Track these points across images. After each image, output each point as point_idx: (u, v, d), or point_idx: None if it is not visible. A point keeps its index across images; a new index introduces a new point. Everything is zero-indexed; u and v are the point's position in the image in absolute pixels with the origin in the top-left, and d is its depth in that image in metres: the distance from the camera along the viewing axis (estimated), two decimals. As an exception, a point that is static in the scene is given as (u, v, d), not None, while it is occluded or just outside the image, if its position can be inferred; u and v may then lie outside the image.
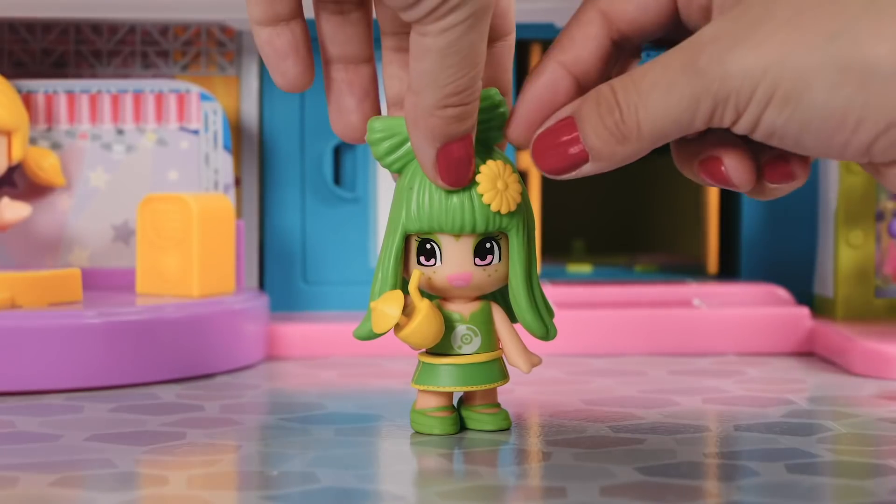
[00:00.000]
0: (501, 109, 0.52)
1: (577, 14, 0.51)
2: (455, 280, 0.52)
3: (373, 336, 0.53)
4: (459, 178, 0.51)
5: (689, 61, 0.46)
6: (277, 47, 0.51)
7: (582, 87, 0.50)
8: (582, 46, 0.50)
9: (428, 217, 0.51)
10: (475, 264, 0.52)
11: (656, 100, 0.46)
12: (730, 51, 0.45)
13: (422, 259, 0.52)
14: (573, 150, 0.48)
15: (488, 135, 0.52)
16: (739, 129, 0.46)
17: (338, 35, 0.52)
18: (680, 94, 0.46)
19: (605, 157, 0.48)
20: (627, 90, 0.47)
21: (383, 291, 0.52)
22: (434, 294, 0.54)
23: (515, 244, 0.52)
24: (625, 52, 0.51)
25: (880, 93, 0.44)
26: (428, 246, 0.52)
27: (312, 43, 0.52)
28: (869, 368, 0.68)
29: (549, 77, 0.50)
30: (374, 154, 0.52)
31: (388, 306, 0.52)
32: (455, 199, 0.51)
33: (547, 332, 0.53)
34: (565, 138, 0.48)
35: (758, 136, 0.46)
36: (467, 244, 0.52)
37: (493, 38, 0.53)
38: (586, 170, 0.49)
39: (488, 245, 0.52)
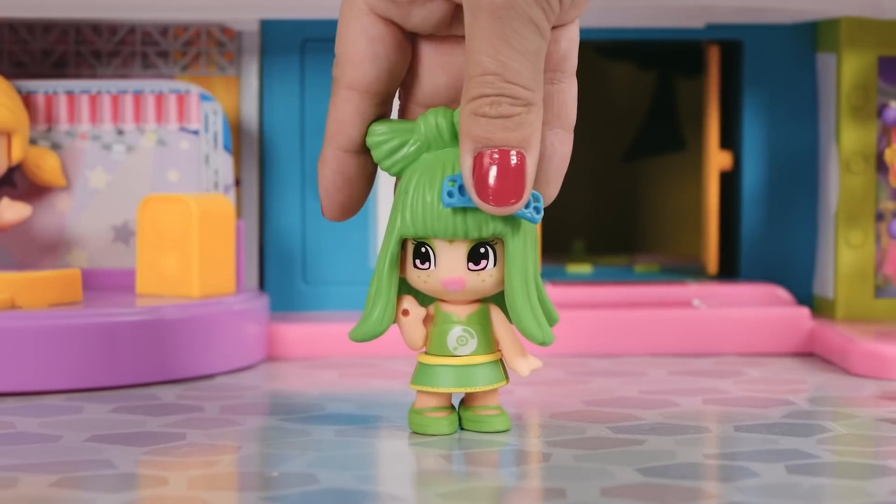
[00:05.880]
0: None
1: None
2: (449, 284, 0.52)
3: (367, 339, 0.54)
4: (498, 195, 0.50)
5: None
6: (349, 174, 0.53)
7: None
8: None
9: (422, 222, 0.51)
10: (469, 269, 0.52)
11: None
12: None
13: (417, 262, 0.53)
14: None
15: None
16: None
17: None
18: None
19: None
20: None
21: (378, 294, 0.53)
22: (433, 297, 0.54)
23: (512, 249, 0.52)
24: None
25: None
26: (423, 249, 0.52)
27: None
28: (869, 368, 0.68)
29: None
30: (374, 157, 0.52)
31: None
32: None
33: (543, 339, 0.53)
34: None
35: None
36: (461, 249, 0.52)
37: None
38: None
39: (482, 250, 0.52)
